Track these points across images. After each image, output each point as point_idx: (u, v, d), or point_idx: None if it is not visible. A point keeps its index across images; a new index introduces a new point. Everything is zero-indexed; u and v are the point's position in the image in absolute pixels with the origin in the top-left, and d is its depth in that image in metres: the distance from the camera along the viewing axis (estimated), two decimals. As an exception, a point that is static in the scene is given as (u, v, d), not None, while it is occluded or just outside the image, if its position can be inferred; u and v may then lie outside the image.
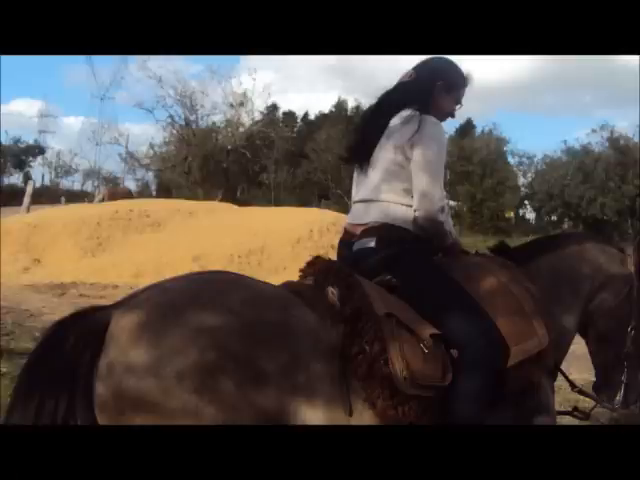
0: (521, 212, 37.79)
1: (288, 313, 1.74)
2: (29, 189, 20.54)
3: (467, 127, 37.31)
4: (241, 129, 31.61)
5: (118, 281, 10.78)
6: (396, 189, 2.11)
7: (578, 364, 2.99)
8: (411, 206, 2.08)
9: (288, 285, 1.96)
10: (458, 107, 2.33)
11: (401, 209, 2.10)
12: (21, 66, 70.62)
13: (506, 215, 34.27)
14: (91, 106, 58.76)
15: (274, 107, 38.05)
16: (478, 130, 37.66)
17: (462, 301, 1.95)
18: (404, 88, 2.25)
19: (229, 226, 13.47)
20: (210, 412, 1.54)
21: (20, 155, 42.45)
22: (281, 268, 11.17)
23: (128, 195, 23.43)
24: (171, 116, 31.02)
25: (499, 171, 33.17)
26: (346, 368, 1.72)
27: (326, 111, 40.60)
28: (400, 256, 2.04)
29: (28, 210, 18.60)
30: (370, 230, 2.11)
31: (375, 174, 2.17)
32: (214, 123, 32.26)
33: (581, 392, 2.34)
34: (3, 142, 39.73)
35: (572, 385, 2.31)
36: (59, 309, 7.00)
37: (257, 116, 32.73)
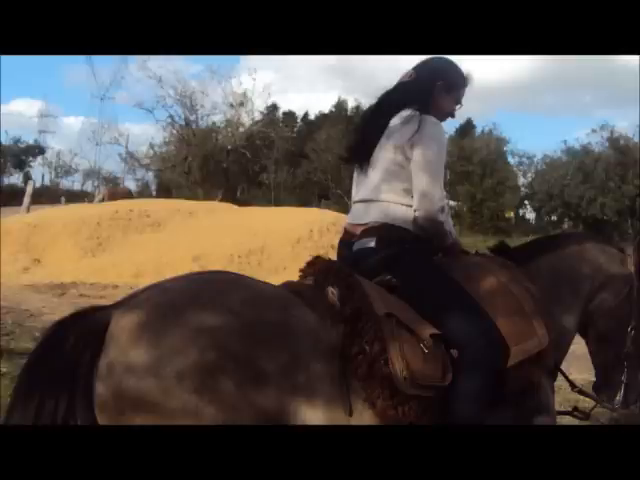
0: (521, 212, 37.75)
1: (288, 313, 1.74)
2: (29, 189, 20.53)
3: (467, 127, 37.27)
4: (241, 129, 31.57)
5: (118, 281, 10.78)
6: (396, 189, 2.11)
7: (578, 364, 2.99)
8: (411, 206, 2.08)
9: (288, 285, 1.96)
10: (458, 107, 2.33)
11: (401, 209, 2.10)
12: (21, 66, 70.68)
13: (506, 215, 34.23)
14: (91, 106, 58.74)
15: (274, 107, 38.04)
16: (478, 130, 37.66)
17: (462, 301, 1.95)
18: (404, 88, 2.25)
19: (229, 226, 13.47)
20: (210, 412, 1.54)
21: (20, 155, 42.40)
22: (281, 268, 11.17)
23: (128, 195, 23.43)
24: (171, 116, 31.04)
25: (499, 171, 33.13)
26: (346, 368, 1.72)
27: (326, 111, 40.61)
28: (400, 256, 2.04)
29: (28, 210, 18.60)
30: (370, 230, 2.11)
31: (375, 174, 2.17)
32: (214, 123, 32.27)
33: (581, 392, 2.34)
34: (3, 142, 39.76)
35: (572, 385, 2.31)
36: (59, 309, 7.00)
37: (257, 116, 32.74)
